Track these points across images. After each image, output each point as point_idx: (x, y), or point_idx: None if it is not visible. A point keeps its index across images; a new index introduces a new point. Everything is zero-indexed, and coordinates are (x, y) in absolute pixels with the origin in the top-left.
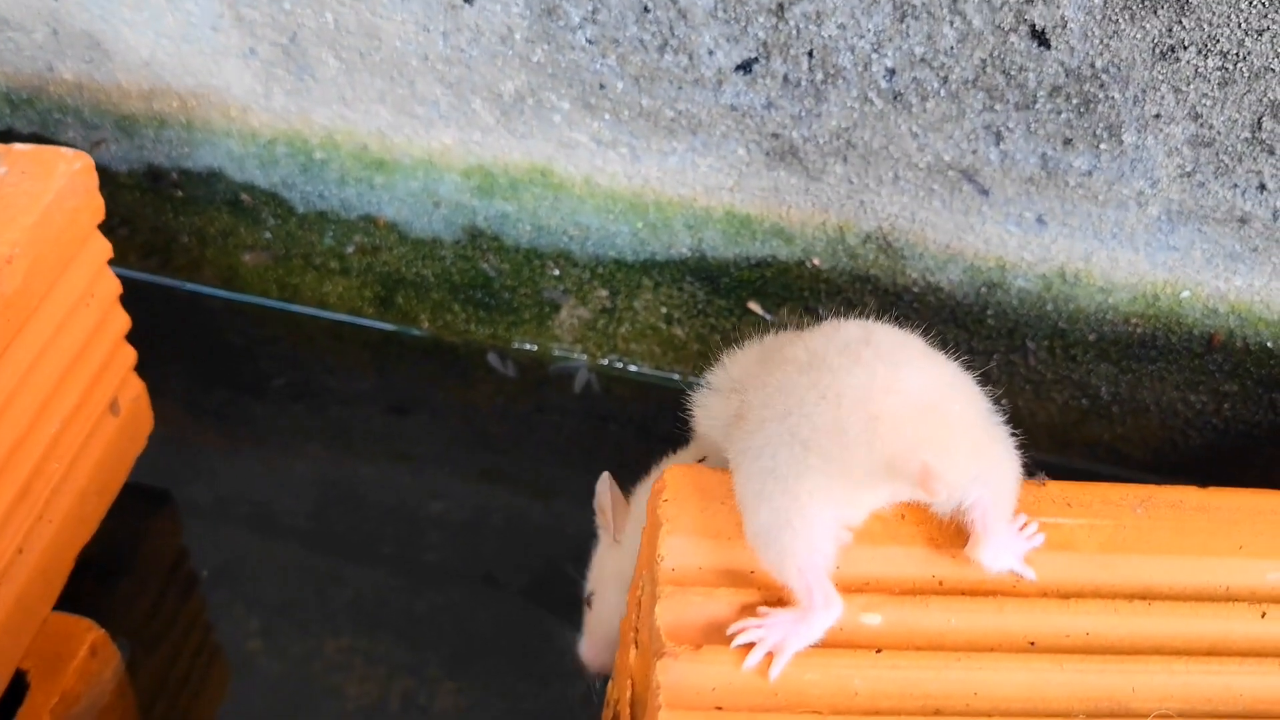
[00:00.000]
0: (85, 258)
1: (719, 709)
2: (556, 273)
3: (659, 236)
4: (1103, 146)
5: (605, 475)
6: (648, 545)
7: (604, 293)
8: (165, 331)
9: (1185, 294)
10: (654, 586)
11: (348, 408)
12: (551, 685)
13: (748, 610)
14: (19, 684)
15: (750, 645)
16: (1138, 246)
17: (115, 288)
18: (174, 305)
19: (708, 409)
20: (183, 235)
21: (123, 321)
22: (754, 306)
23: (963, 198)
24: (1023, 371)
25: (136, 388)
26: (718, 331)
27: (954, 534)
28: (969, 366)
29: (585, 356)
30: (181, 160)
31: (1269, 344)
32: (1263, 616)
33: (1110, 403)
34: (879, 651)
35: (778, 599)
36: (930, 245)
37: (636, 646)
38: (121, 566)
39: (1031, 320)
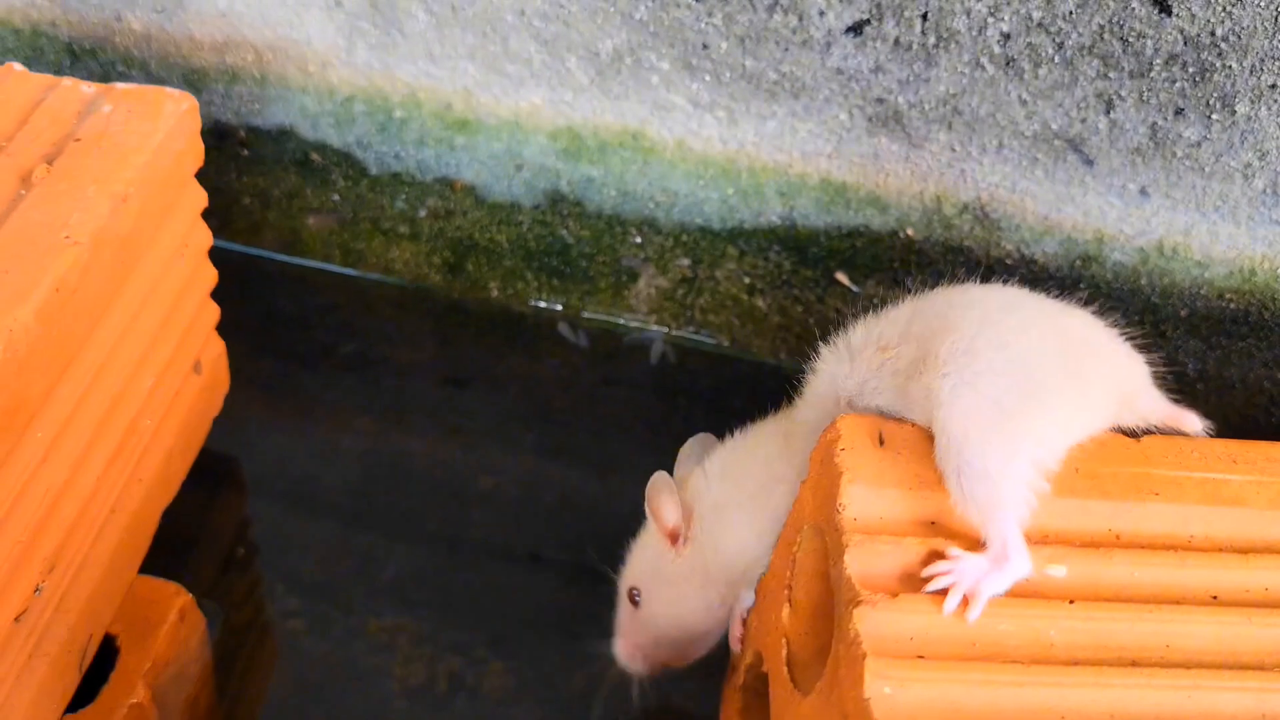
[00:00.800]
0: (185, 205)
1: (920, 658)
2: (638, 240)
3: (749, 203)
4: (1214, 117)
5: (660, 475)
6: (820, 496)
7: (686, 261)
8: (217, 297)
9: None
10: (839, 535)
11: (404, 379)
12: (599, 667)
13: (935, 557)
14: (107, 649)
15: (943, 593)
16: (1240, 220)
17: (207, 239)
18: (229, 269)
19: (843, 368)
20: (245, 197)
21: (210, 276)
22: (841, 278)
23: (1066, 168)
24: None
25: (218, 347)
26: (800, 303)
27: (1126, 485)
28: None
29: (660, 328)
30: (251, 117)
31: None
32: None
33: (1195, 379)
34: (1071, 603)
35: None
36: (1028, 217)
37: (790, 604)
38: (154, 542)
39: (1124, 295)
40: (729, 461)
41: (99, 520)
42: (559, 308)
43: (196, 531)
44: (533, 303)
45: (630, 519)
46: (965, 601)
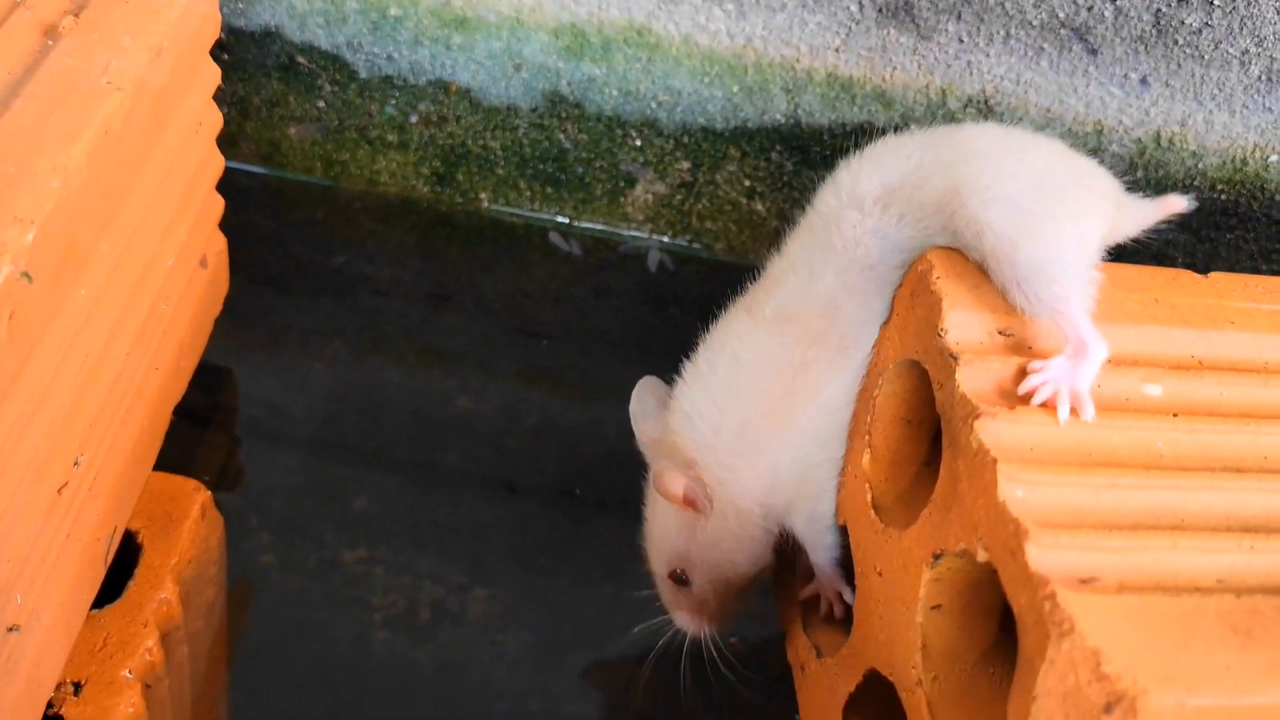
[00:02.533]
0: (202, 78)
1: (1043, 463)
2: (638, 143)
3: (754, 101)
4: (1216, 3)
5: (663, 464)
6: (914, 327)
7: (686, 165)
8: None
9: (1274, 158)
10: (945, 358)
11: (383, 298)
12: (584, 588)
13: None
14: (128, 546)
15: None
16: (1234, 109)
17: (218, 122)
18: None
19: (853, 222)
20: (223, 106)
21: (218, 164)
22: None
23: (1070, 58)
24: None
25: (221, 242)
26: (801, 206)
27: (1203, 315)
28: None
29: (656, 237)
30: (233, 18)
31: None
32: None
33: None
34: (1175, 416)
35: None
36: (1031, 109)
37: (870, 450)
38: None
39: None
40: (709, 397)
41: (125, 402)
42: (553, 217)
43: (160, 466)
44: (525, 212)
45: (614, 443)
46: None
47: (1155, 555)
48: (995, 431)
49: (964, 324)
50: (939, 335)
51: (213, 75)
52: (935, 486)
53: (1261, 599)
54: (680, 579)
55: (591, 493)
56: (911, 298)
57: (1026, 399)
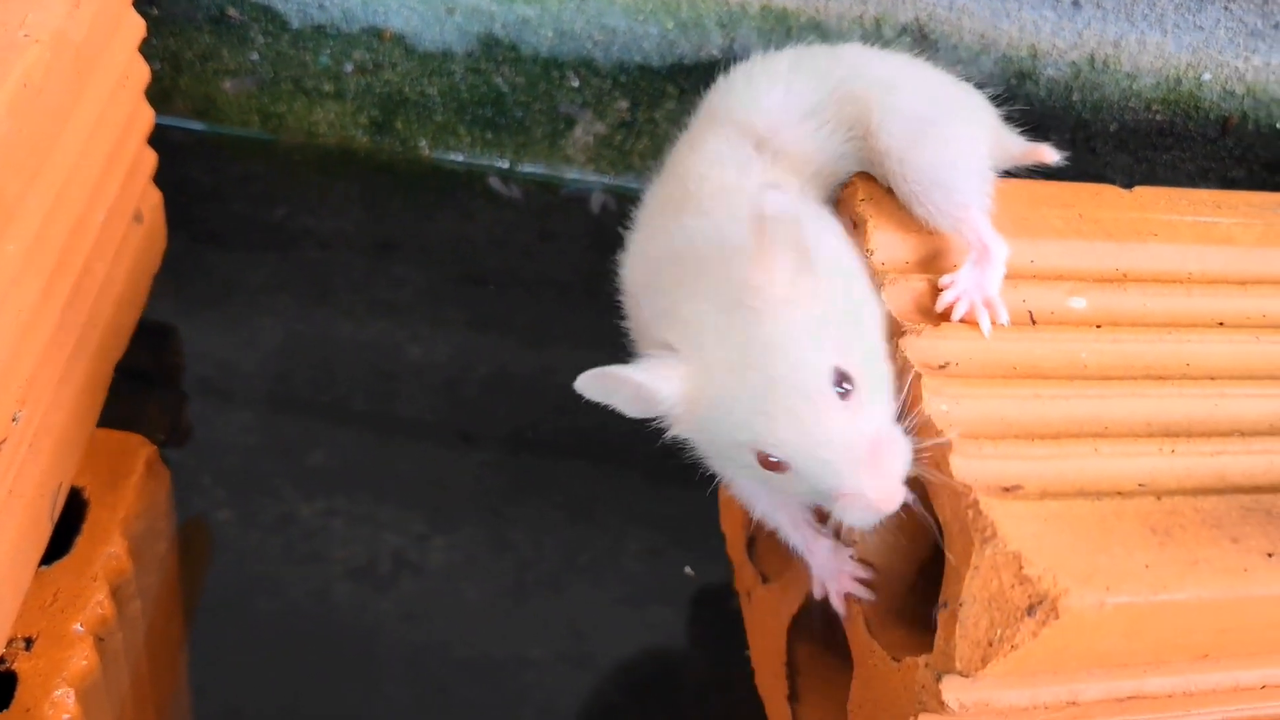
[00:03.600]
0: (125, 30)
1: (968, 377)
2: (576, 84)
3: (689, 37)
4: None
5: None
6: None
7: (624, 104)
8: None
9: (1206, 76)
10: (872, 279)
11: (327, 250)
12: (543, 533)
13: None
14: (76, 503)
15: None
16: (1166, 28)
17: (145, 76)
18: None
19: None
20: (155, 61)
21: (148, 118)
22: None
23: None
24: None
25: (156, 197)
26: None
27: (1127, 228)
28: None
29: (599, 177)
30: None
31: (1277, 125)
32: None
33: None
34: (1099, 327)
35: None
36: (965, 35)
37: None
38: None
39: (1058, 113)
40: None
41: (63, 358)
42: (493, 162)
43: (110, 425)
44: (465, 158)
45: (567, 390)
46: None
47: (1078, 462)
48: (920, 348)
49: (888, 245)
50: (866, 256)
51: (137, 27)
52: None
53: (1181, 500)
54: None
55: (547, 438)
56: (849, 214)
57: (948, 315)
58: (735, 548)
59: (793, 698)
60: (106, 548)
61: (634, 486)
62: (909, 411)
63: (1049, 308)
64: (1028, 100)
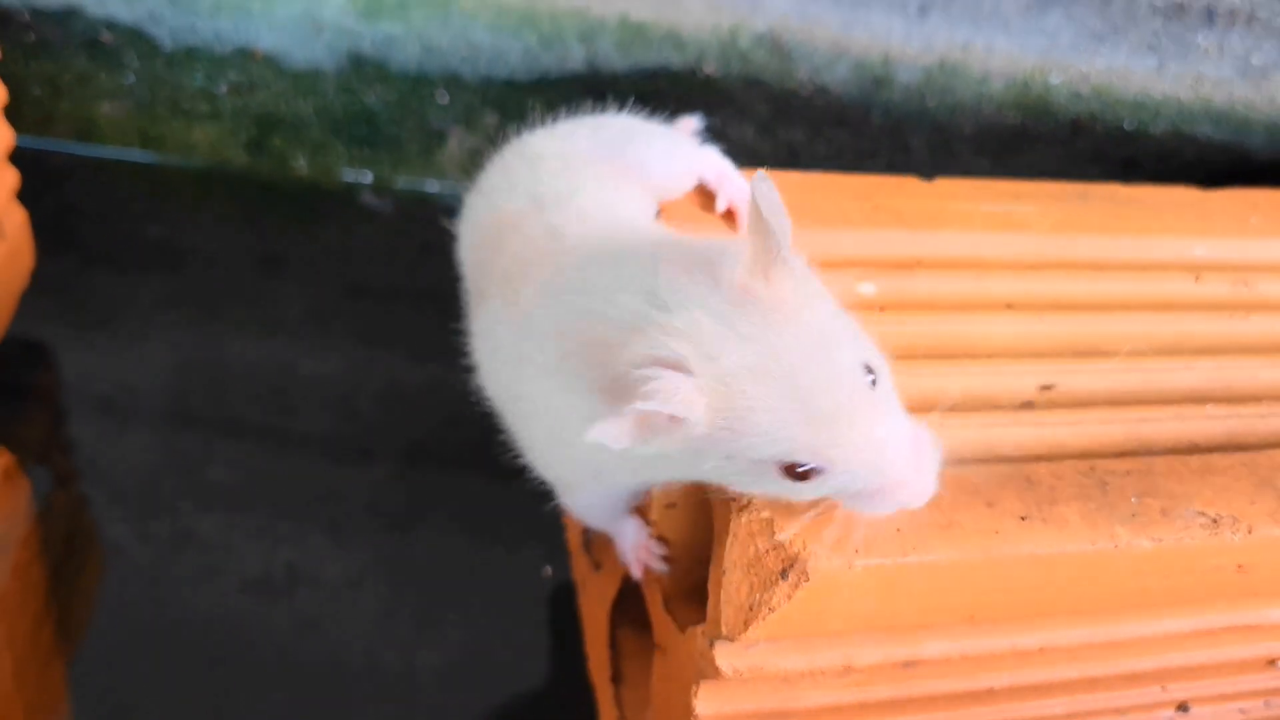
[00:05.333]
0: None
1: None
2: (445, 99)
3: (552, 51)
4: None
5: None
6: None
7: (493, 118)
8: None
9: (1054, 79)
10: None
11: (213, 269)
12: (438, 543)
13: None
14: None
15: None
16: (1012, 32)
17: (2, 97)
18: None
19: None
20: (34, 86)
21: (7, 137)
22: None
23: None
24: (907, 170)
25: (20, 215)
26: None
27: (923, 217)
28: (856, 167)
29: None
30: None
31: (1125, 125)
32: (1196, 280)
33: None
34: (882, 310)
35: None
36: (819, 42)
37: None
38: None
39: (914, 116)
40: None
41: None
42: (370, 179)
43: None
44: (343, 174)
45: (457, 404)
46: None
47: None
48: None
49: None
50: None
51: None
52: None
53: (945, 469)
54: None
55: (441, 451)
56: None
57: None
58: (574, 539)
59: (615, 679)
60: None
61: (527, 496)
62: None
63: (836, 293)
64: (885, 107)
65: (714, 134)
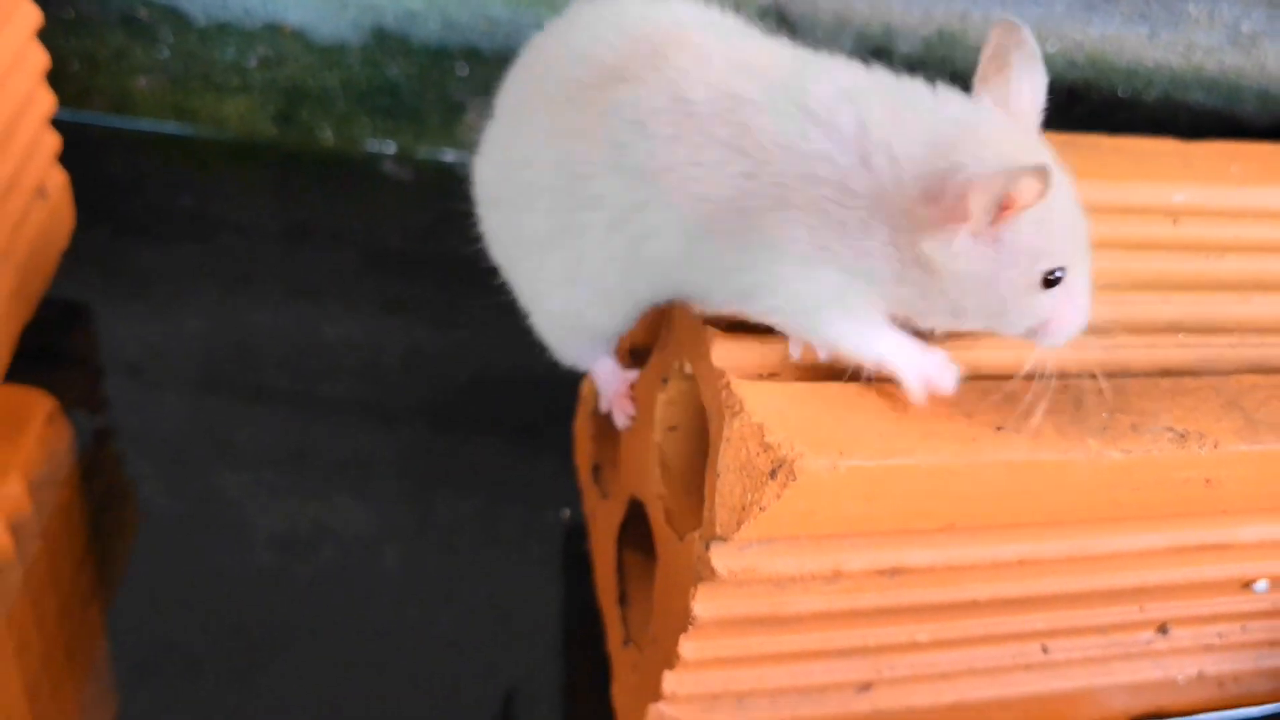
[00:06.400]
0: (20, 16)
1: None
2: (464, 73)
3: None
4: None
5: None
6: None
7: None
8: None
9: (1050, 47)
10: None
11: (242, 238)
12: (458, 502)
13: None
14: None
15: None
16: (1007, 2)
17: (43, 62)
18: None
19: None
20: (73, 61)
21: (49, 102)
22: None
23: None
24: None
25: (61, 176)
26: None
27: None
28: None
29: None
30: None
31: (1120, 92)
32: (1174, 223)
33: None
34: None
35: None
36: (822, 15)
37: None
38: None
39: None
40: None
41: None
42: (392, 149)
43: (38, 410)
44: (367, 145)
45: (476, 367)
46: None
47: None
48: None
49: None
50: None
51: (31, 15)
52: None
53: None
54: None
55: (462, 414)
56: None
57: None
58: (584, 473)
59: (622, 600)
60: (4, 489)
61: (547, 452)
62: None
63: None
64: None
65: None
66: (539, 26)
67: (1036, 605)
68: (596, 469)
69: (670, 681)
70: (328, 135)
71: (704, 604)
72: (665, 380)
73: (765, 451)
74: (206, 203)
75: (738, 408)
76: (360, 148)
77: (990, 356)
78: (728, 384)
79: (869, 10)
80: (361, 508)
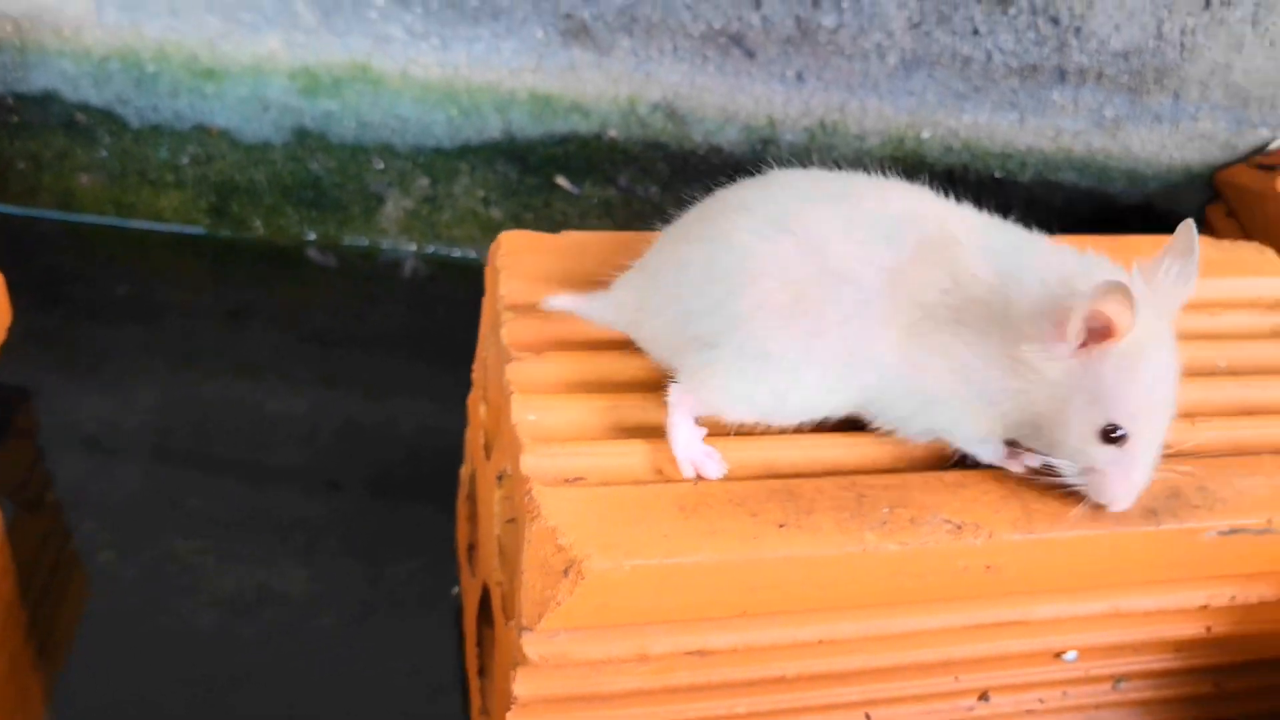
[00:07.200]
0: None
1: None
2: (381, 166)
3: (471, 122)
4: (845, 4)
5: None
6: (490, 293)
7: (425, 181)
8: (1, 259)
9: (925, 134)
10: (497, 315)
11: (186, 320)
12: (398, 567)
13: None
14: None
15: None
16: (882, 94)
17: None
18: (9, 232)
19: None
20: (19, 161)
21: None
22: (561, 181)
23: (733, 61)
24: None
25: None
26: (530, 209)
27: None
28: None
29: (412, 245)
30: (15, 84)
31: (996, 174)
32: None
33: None
34: None
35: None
36: (709, 109)
37: (486, 403)
38: None
39: None
40: None
41: None
42: (318, 237)
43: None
44: (294, 234)
45: (412, 438)
46: None
47: (629, 459)
48: (521, 371)
49: (518, 291)
50: (498, 298)
51: None
52: None
53: (716, 485)
54: (1117, 435)
55: (400, 481)
56: (490, 265)
57: (558, 345)
58: (461, 552)
59: (481, 673)
60: None
61: None
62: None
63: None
64: (776, 162)
65: (622, 193)
66: (447, 122)
67: (849, 679)
68: (471, 548)
69: None
70: (258, 226)
71: (523, 685)
72: (500, 478)
73: (559, 552)
74: (149, 289)
75: (536, 512)
76: (288, 237)
77: (781, 455)
78: (529, 490)
79: (753, 105)
80: (303, 572)
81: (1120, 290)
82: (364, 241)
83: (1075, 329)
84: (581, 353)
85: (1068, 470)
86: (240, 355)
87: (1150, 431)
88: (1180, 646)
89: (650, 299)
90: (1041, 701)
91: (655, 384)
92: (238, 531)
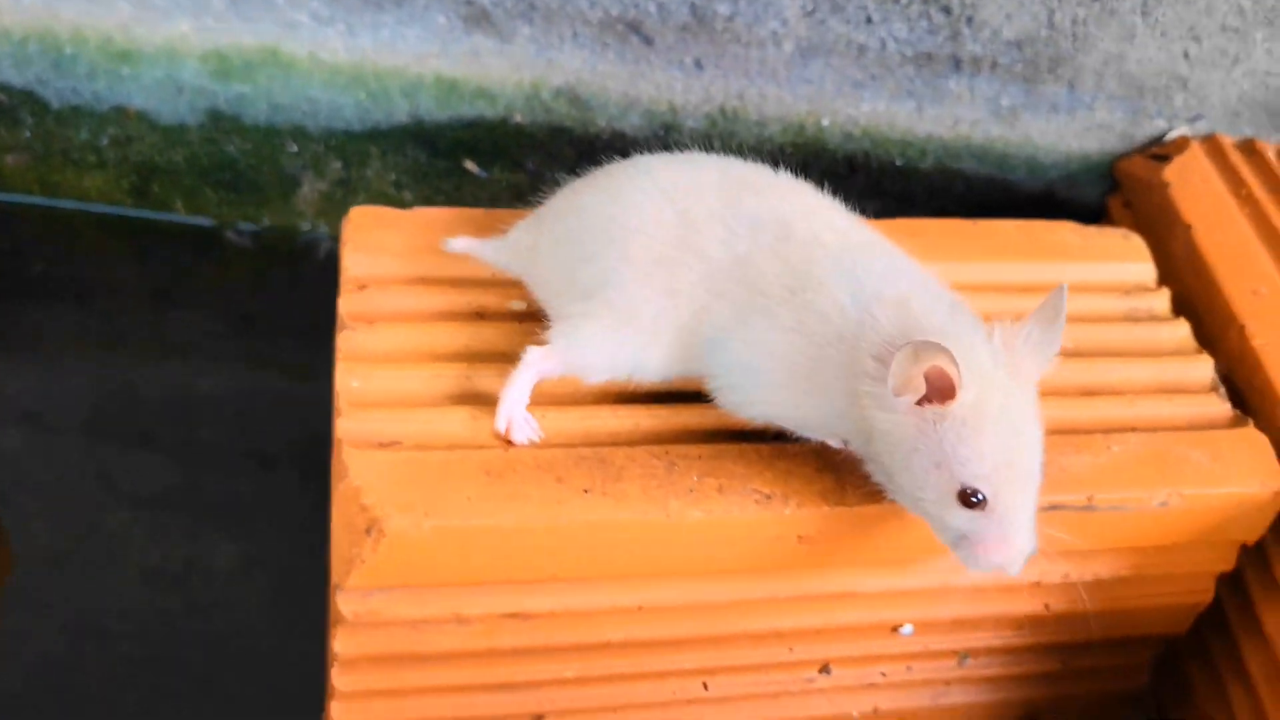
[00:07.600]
0: None
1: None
2: (294, 149)
3: (380, 105)
4: None
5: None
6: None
7: (338, 164)
8: None
9: (825, 121)
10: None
11: (114, 300)
12: (324, 541)
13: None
14: None
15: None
16: (780, 82)
17: None
18: None
19: None
20: None
21: None
22: (470, 166)
23: (632, 49)
24: None
25: None
26: (441, 192)
27: None
28: None
29: (329, 228)
30: None
31: (897, 162)
32: None
33: None
34: (520, 321)
35: None
36: (611, 95)
37: None
38: None
39: None
40: None
41: None
42: (236, 219)
43: None
44: (215, 215)
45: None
46: None
47: (445, 426)
48: (351, 339)
49: (363, 263)
50: (343, 271)
51: None
52: None
53: (525, 451)
54: (976, 501)
55: (325, 459)
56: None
57: (396, 318)
58: None
59: None
60: None
61: None
62: None
63: (494, 307)
64: (678, 148)
65: (530, 178)
66: (356, 105)
67: (681, 646)
68: None
69: (336, 712)
70: (179, 206)
71: (343, 643)
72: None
73: (362, 512)
74: (77, 268)
75: (344, 473)
76: (209, 218)
77: (600, 425)
78: (341, 452)
79: (654, 91)
80: (231, 545)
81: (943, 351)
82: (282, 223)
83: (898, 384)
84: (418, 324)
85: (943, 538)
86: (169, 334)
87: (1012, 493)
88: (1021, 624)
89: (543, 241)
90: (884, 675)
91: (486, 356)
92: (166, 507)
